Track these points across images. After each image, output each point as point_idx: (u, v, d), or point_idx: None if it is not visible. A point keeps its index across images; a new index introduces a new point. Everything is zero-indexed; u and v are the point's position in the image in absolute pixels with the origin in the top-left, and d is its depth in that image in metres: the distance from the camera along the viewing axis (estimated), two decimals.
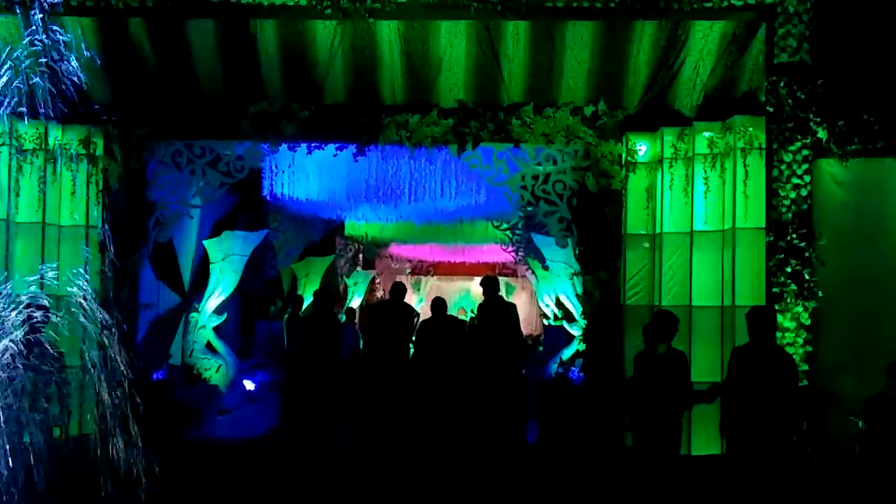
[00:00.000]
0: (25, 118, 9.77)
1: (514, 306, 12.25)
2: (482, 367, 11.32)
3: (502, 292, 12.26)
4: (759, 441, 7.80)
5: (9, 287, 6.43)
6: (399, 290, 12.80)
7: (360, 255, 26.18)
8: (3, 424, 7.33)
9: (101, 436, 6.22)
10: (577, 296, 12.58)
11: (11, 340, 6.21)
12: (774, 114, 10.13)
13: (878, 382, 9.32)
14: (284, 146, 12.06)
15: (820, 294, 10.00)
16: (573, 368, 13.79)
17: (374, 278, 28.86)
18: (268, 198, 14.41)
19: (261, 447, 11.85)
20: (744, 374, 8.04)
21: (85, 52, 7.53)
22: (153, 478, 6.20)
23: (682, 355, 9.07)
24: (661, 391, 8.76)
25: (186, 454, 10.47)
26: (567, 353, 14.49)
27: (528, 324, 27.78)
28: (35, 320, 7.03)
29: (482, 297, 12.36)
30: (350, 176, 13.69)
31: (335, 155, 12.07)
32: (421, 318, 14.29)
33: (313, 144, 11.95)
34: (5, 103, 8.17)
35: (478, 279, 30.43)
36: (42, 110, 7.40)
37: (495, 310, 12.08)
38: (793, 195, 10.10)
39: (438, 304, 12.38)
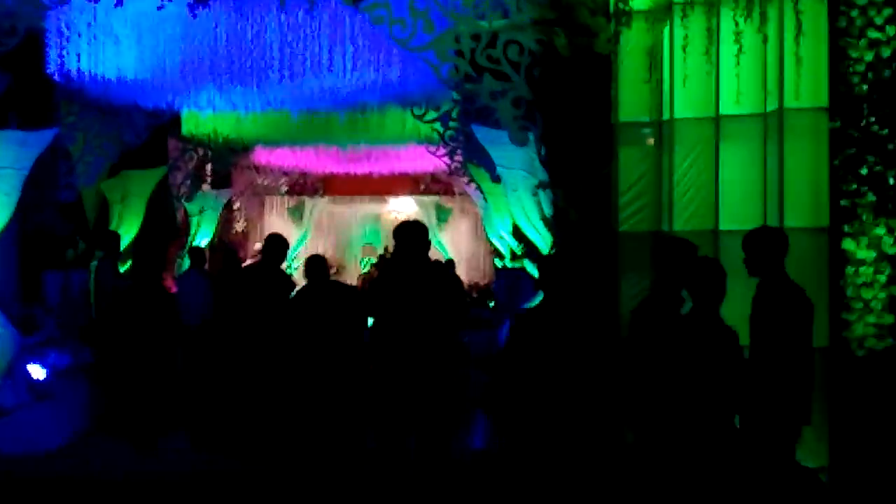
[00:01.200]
0: None
1: (453, 280, 11.06)
2: (391, 346, 10.77)
3: (431, 226, 11.90)
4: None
5: None
6: (276, 245, 12.78)
7: (208, 167, 26.03)
8: None
9: None
10: (545, 219, 12.66)
11: None
12: None
13: None
14: None
15: None
16: None
17: (230, 203, 28.78)
18: (56, 78, 14.18)
19: (58, 468, 11.81)
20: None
21: None
22: None
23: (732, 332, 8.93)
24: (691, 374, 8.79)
25: None
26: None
27: (471, 267, 28.15)
28: None
29: (392, 256, 11.63)
30: (187, 39, 13.51)
31: (161, 7, 11.92)
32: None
33: None
34: None
35: (393, 201, 30.94)
36: None
37: (415, 288, 10.34)
38: (870, 57, 10.22)
39: (315, 264, 12.29)
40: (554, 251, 11.72)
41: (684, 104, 11.31)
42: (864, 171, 10.17)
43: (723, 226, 11.15)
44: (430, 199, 30.54)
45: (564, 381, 8.89)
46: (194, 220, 24.78)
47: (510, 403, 9.07)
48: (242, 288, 13.12)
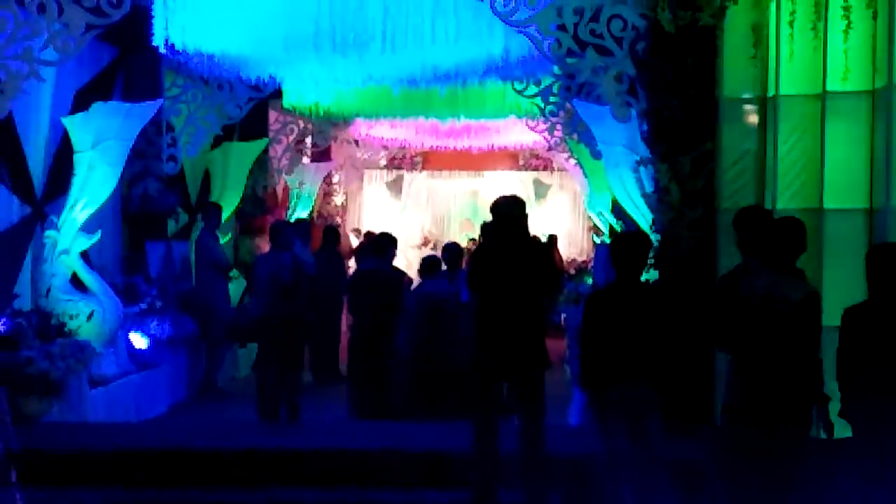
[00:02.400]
0: None
1: (548, 256, 10.93)
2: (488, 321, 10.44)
3: (529, 202, 11.53)
4: None
5: None
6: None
7: (308, 140, 26.15)
8: None
9: None
10: (645, 196, 12.56)
11: None
12: None
13: None
14: None
15: None
16: None
17: (329, 176, 28.92)
18: (161, 50, 14.30)
19: (158, 436, 11.92)
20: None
21: None
22: None
23: (815, 296, 8.78)
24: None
25: (42, 447, 10.60)
26: None
27: (570, 244, 28.04)
28: None
29: (491, 230, 11.06)
30: (289, 13, 13.56)
31: None
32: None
33: None
34: None
35: (490, 176, 30.88)
36: None
37: (512, 264, 9.93)
38: None
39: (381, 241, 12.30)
40: (658, 233, 11.55)
41: (790, 80, 11.19)
42: None
43: (827, 204, 11.05)
44: (528, 175, 30.49)
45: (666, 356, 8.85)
46: (293, 193, 24.92)
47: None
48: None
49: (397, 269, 14.90)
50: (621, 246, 9.10)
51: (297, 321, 13.11)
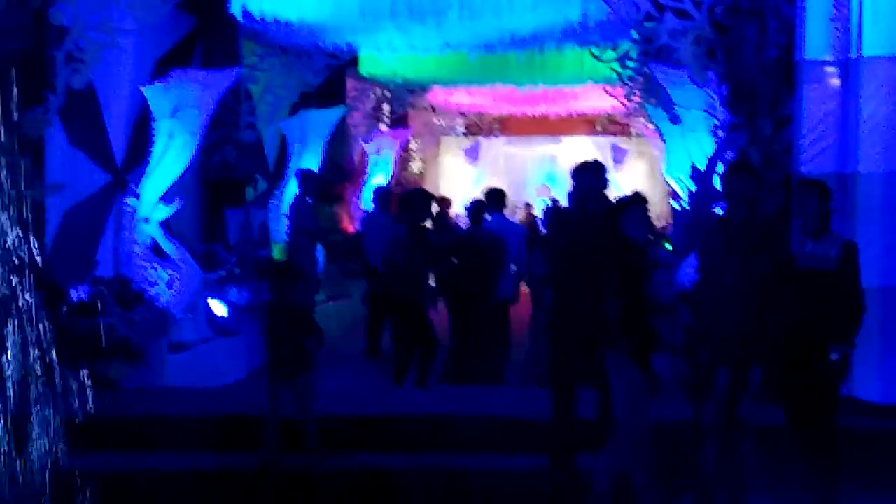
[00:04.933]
0: None
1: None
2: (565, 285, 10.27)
3: (608, 167, 11.09)
4: None
5: None
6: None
7: (385, 108, 26.20)
8: None
9: None
10: (725, 161, 12.47)
11: None
12: None
13: None
14: None
15: None
16: None
17: (407, 143, 28.95)
18: (238, 18, 14.34)
19: (237, 402, 11.99)
20: None
21: None
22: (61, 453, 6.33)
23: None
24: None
25: (122, 413, 10.71)
26: None
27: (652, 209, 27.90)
28: None
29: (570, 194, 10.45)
30: None
31: None
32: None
33: None
34: None
35: (568, 141, 30.79)
36: None
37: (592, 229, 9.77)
38: None
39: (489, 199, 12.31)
40: None
41: (873, 42, 11.01)
42: None
43: None
44: (606, 140, 30.41)
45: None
46: (371, 161, 25.00)
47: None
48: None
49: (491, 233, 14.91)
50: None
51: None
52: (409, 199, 14.64)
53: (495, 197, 14.62)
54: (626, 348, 9.01)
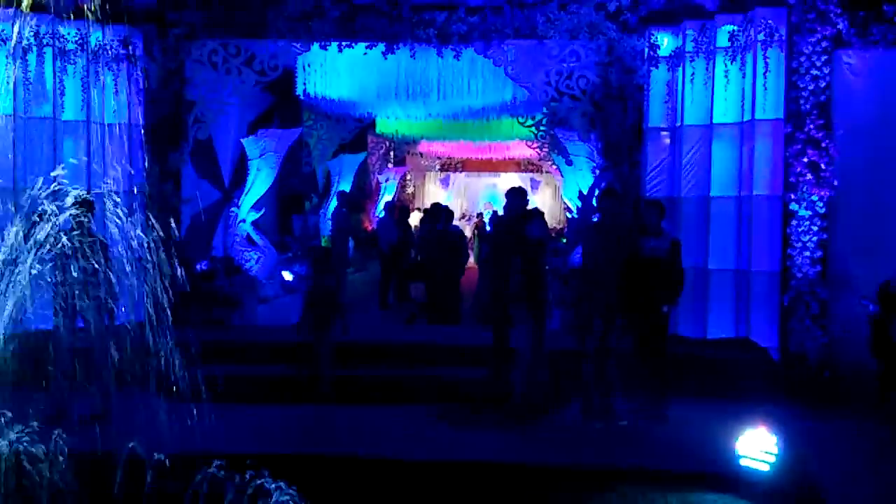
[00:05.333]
0: (69, 17, 9.83)
1: (541, 220, 9.94)
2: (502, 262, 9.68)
3: (528, 190, 11.20)
4: None
5: (53, 184, 6.46)
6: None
7: (391, 153, 26.13)
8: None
9: (150, 320, 6.35)
10: (599, 188, 12.46)
11: (62, 231, 6.30)
12: (795, 5, 9.87)
13: (890, 268, 9.26)
14: (316, 45, 12.00)
15: (836, 183, 9.90)
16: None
17: (405, 175, 28.89)
18: (301, 97, 14.29)
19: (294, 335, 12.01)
20: None
21: None
22: (196, 359, 6.36)
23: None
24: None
25: (228, 339, 10.71)
26: None
27: (552, 217, 27.86)
28: (78, 216, 7.19)
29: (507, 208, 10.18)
30: (380, 74, 13.49)
31: (365, 53, 11.98)
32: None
33: (344, 43, 11.87)
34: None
35: (504, 176, 30.72)
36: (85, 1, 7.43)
37: (517, 226, 9.61)
38: (811, 86, 9.93)
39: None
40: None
41: (690, 116, 11.05)
42: (805, 160, 9.92)
43: (713, 193, 10.95)
44: (527, 175, 30.12)
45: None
46: (382, 187, 24.95)
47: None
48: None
49: (457, 228, 14.91)
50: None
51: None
52: (433, 210, 14.74)
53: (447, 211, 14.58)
54: (524, 307, 9.13)
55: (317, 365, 9.73)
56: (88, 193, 8.31)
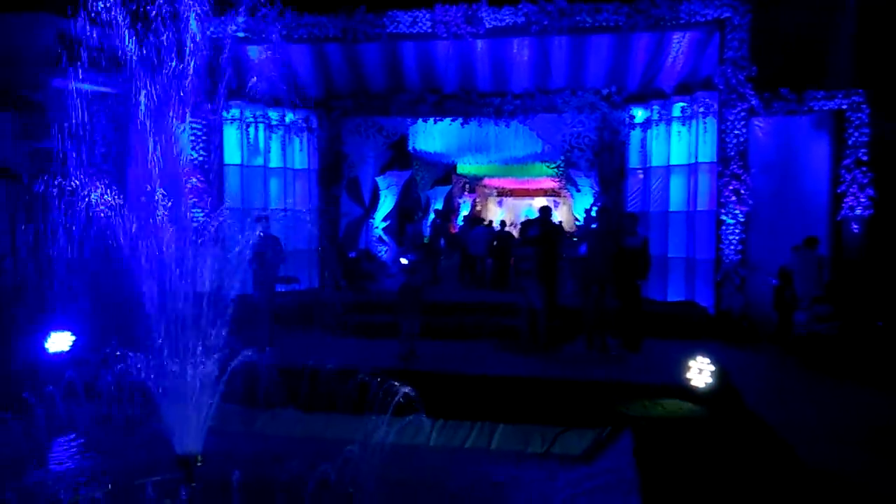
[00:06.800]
0: (273, 104, 10.10)
1: (560, 228, 10.09)
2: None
3: (552, 208, 11.11)
4: None
5: (261, 210, 6.79)
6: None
7: (466, 185, 26.12)
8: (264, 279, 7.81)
9: (321, 286, 6.56)
10: (598, 207, 12.26)
11: (258, 233, 6.63)
12: (724, 90, 9.59)
13: (784, 257, 9.03)
14: (420, 119, 12.08)
15: (750, 202, 9.60)
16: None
17: (475, 200, 28.80)
18: (411, 151, 14.41)
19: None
20: None
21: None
22: (350, 309, 6.50)
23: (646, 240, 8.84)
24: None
25: (367, 300, 10.83)
26: None
27: (566, 223, 27.54)
28: (261, 228, 7.54)
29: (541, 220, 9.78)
30: (459, 137, 13.48)
31: (450, 123, 12.03)
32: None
33: (437, 118, 11.92)
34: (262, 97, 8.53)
35: (537, 199, 30.38)
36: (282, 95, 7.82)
37: (545, 231, 9.37)
38: (734, 141, 9.64)
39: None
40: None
41: (656, 160, 10.84)
42: (731, 187, 9.62)
43: (671, 208, 10.72)
44: (551, 198, 29.89)
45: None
46: (461, 206, 24.84)
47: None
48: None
49: (503, 230, 14.68)
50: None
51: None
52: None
53: (479, 220, 14.23)
54: (536, 279, 8.76)
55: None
56: (265, 212, 8.63)
